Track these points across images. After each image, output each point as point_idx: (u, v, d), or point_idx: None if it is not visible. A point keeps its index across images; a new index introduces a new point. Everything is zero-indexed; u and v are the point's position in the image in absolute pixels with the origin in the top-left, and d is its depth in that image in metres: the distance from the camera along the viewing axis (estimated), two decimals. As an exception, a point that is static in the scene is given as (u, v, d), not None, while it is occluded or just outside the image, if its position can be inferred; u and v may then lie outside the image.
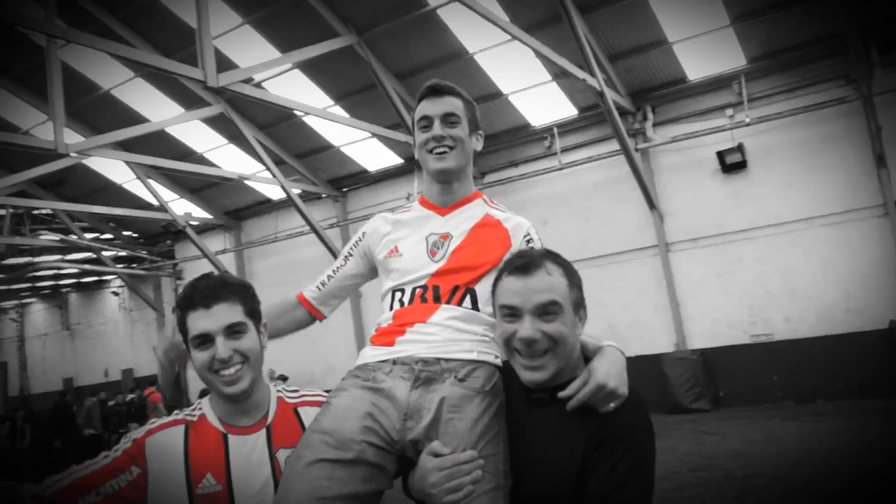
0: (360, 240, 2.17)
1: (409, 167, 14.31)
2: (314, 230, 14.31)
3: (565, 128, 13.05)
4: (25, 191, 15.25)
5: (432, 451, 1.70)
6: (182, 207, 16.39)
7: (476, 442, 1.71)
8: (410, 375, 1.80)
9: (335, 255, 14.14)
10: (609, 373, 1.65)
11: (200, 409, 1.86)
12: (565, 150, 12.98)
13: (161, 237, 19.33)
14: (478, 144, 2.13)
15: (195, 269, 18.22)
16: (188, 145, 14.26)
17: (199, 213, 16.67)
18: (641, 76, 11.93)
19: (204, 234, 17.18)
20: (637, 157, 11.85)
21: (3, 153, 14.47)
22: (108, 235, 19.47)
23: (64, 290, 25.30)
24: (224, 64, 9.67)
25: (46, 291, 26.08)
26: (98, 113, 13.53)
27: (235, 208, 16.91)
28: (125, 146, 11.63)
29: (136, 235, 19.76)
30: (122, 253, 19.70)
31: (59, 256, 20.64)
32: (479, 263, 1.94)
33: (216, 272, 1.87)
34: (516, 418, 1.77)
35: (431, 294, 1.93)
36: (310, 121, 13.28)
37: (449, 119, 2.02)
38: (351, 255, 2.19)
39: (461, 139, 2.03)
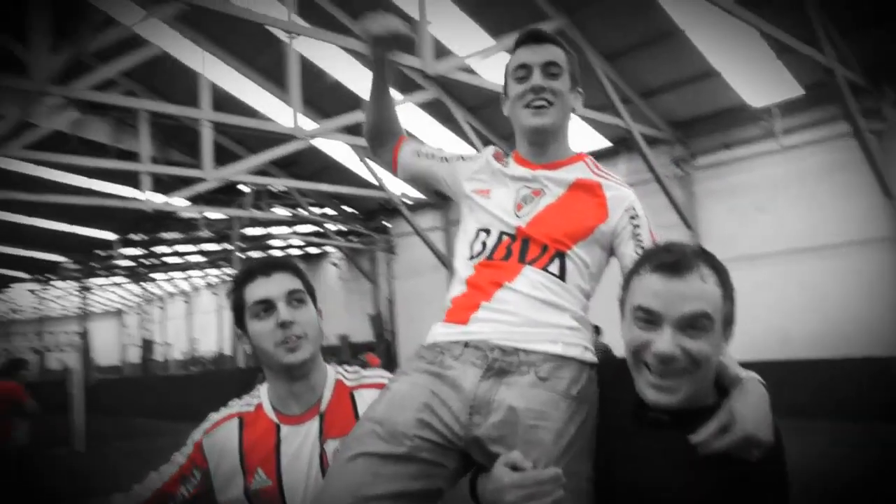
0: (463, 159, 1.97)
1: (616, 149, 14.13)
2: (518, 211, 14.64)
3: (787, 108, 12.19)
4: (265, 170, 17.02)
5: (511, 463, 1.46)
6: (397, 186, 17.45)
7: (560, 457, 1.48)
8: (483, 363, 1.58)
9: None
10: (757, 421, 1.35)
11: (258, 397, 1.80)
12: (787, 131, 12.14)
13: (377, 213, 20.71)
14: (577, 102, 1.88)
15: (407, 244, 19.35)
16: (405, 128, 15.15)
17: (413, 191, 17.66)
18: (881, 50, 10.82)
19: (416, 211, 18.17)
20: (871, 140, 10.82)
21: (248, 137, 16.31)
22: (331, 211, 21.22)
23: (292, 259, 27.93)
24: (440, 50, 10.18)
25: (277, 260, 28.94)
26: (325, 99, 14.76)
27: (445, 188, 17.71)
28: (349, 129, 12.61)
29: (355, 211, 21.34)
30: (343, 227, 21.39)
31: (289, 229, 22.88)
32: (568, 230, 1.69)
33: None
34: (620, 433, 1.50)
35: (518, 246, 1.70)
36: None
37: (550, 69, 1.79)
38: (448, 161, 1.98)
39: (562, 93, 1.79)
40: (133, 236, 24.72)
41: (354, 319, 22.44)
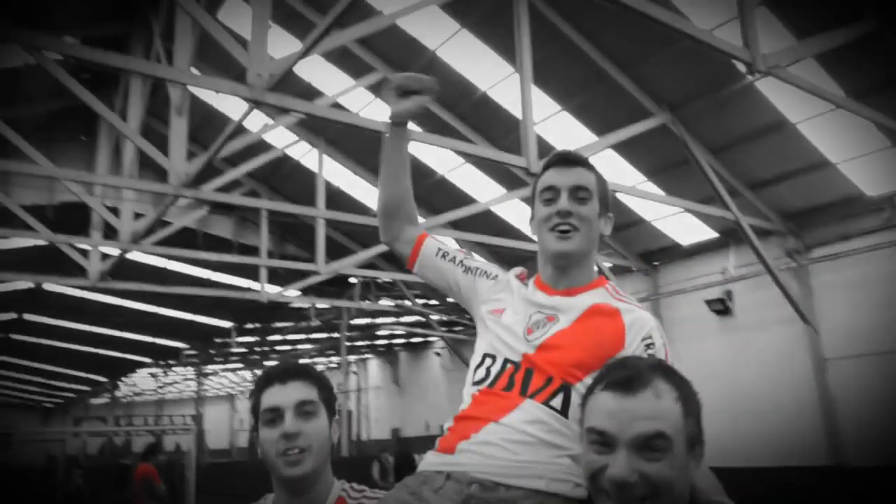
0: (487, 276, 1.92)
1: (725, 241, 13.85)
2: (624, 303, 14.44)
3: (909, 197, 11.69)
4: (373, 263, 17.66)
5: None
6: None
7: None
8: (459, 498, 1.51)
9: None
10: None
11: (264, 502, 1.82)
12: (909, 222, 11.60)
13: (480, 305, 20.90)
14: (606, 228, 1.81)
15: (509, 336, 19.34)
16: (508, 221, 15.46)
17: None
18: None
19: (518, 303, 18.23)
20: None
21: (358, 232, 17.05)
22: (435, 302, 21.59)
23: (396, 348, 28.39)
24: (544, 148, 10.45)
25: (382, 349, 29.49)
26: (432, 195, 15.34)
27: (548, 280, 17.73)
28: (454, 224, 13.01)
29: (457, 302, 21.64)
30: (446, 318, 21.67)
31: (393, 319, 23.38)
32: (579, 360, 1.59)
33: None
34: None
35: (521, 377, 1.63)
36: (622, 196, 13.64)
37: (578, 193, 1.73)
38: (471, 272, 1.95)
39: (589, 219, 1.73)
40: (248, 325, 25.92)
41: (456, 410, 22.32)
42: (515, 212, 15.16)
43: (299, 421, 1.66)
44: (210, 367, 36.63)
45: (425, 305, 21.29)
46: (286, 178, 16.50)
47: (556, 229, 1.72)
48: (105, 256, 13.95)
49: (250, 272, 17.63)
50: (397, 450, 14.93)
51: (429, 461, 1.66)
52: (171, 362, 34.19)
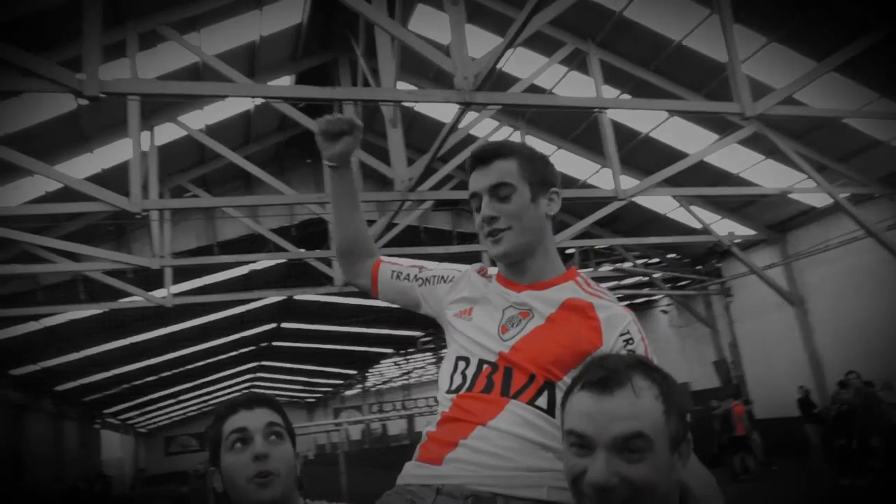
0: (444, 281, 1.83)
1: None
2: (870, 234, 13.28)
3: None
4: (587, 231, 17.71)
5: None
6: (724, 227, 16.91)
7: None
8: None
9: (899, 259, 12.88)
10: None
11: None
12: None
13: (707, 257, 20.17)
14: (550, 207, 1.67)
15: (744, 284, 18.48)
16: (725, 169, 14.78)
17: (742, 230, 16.97)
18: None
19: (748, 250, 17.36)
20: None
21: (570, 204, 17.18)
22: (656, 260, 21.14)
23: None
24: (756, 87, 9.91)
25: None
26: (639, 155, 15.06)
27: (778, 221, 16.70)
28: (668, 180, 12.68)
29: (681, 258, 21.01)
30: (669, 274, 21.16)
31: (615, 283, 23.20)
32: (557, 357, 1.51)
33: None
34: None
35: (501, 377, 1.54)
36: (852, 120, 12.51)
37: (499, 192, 1.62)
38: (428, 283, 1.86)
39: (517, 215, 1.61)
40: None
41: (693, 366, 21.83)
42: (731, 156, 14.44)
43: (268, 443, 1.60)
44: (444, 352, 38.74)
45: (645, 265, 20.93)
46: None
47: (488, 236, 1.65)
48: (345, 263, 15.33)
49: (471, 259, 18.41)
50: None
51: (412, 474, 1.56)
52: (409, 350, 36.62)
